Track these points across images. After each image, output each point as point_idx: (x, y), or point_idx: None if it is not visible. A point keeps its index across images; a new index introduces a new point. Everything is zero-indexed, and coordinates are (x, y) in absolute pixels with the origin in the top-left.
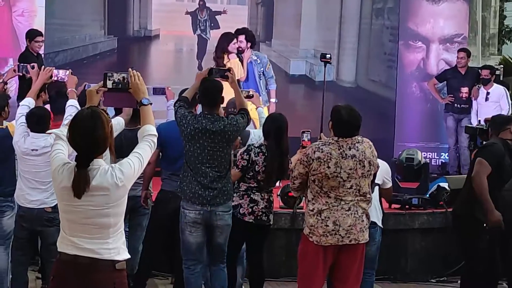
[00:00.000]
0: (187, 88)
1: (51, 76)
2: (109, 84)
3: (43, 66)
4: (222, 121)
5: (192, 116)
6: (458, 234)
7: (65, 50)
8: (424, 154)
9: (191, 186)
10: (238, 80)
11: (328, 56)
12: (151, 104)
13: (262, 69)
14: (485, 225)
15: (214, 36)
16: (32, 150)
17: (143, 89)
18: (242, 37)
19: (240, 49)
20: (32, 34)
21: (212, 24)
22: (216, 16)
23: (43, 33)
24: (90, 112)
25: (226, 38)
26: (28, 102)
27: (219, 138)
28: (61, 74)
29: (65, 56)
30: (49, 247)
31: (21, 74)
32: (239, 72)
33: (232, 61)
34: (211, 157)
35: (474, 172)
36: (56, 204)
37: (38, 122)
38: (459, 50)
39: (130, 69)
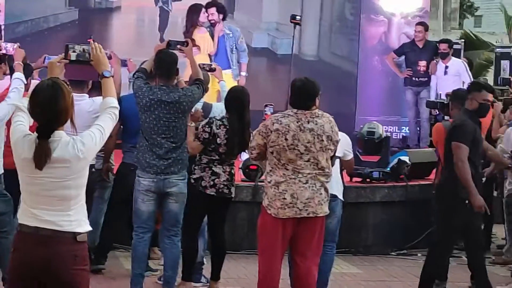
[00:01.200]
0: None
1: None
2: (72, 56)
3: None
4: (177, 92)
5: (147, 87)
6: (440, 207)
7: (25, 21)
8: (385, 128)
9: (146, 156)
10: (209, 55)
11: (298, 17)
12: (112, 76)
13: (234, 43)
14: (467, 202)
15: (176, 8)
16: None
17: (104, 62)
18: (213, 9)
19: (213, 21)
20: None
21: None
22: None
23: (3, 3)
24: (50, 83)
25: (195, 10)
26: None
27: (174, 109)
28: (9, 47)
29: (25, 27)
30: None
31: None
32: (208, 47)
33: (201, 35)
34: (167, 128)
35: (455, 158)
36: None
37: None
38: (417, 24)
39: (91, 41)
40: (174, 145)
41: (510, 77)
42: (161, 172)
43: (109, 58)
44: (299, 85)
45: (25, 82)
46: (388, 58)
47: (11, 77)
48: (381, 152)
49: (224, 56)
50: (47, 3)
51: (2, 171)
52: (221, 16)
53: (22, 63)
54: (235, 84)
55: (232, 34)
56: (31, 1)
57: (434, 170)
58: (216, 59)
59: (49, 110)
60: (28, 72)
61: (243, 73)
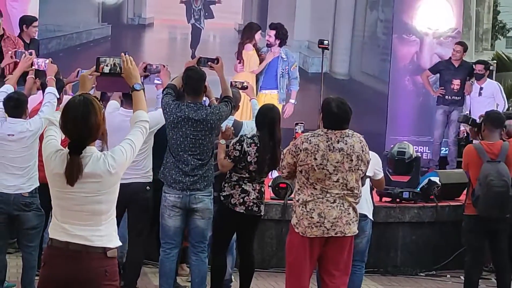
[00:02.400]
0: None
1: (31, 65)
2: (103, 69)
3: (24, 54)
4: (204, 109)
5: (175, 104)
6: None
7: (58, 37)
8: (416, 148)
9: (172, 172)
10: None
11: (326, 42)
12: (143, 89)
13: (287, 67)
14: None
15: (208, 26)
16: (9, 135)
17: (135, 74)
18: (272, 32)
19: (268, 43)
20: (29, 20)
21: (207, 14)
22: (211, 6)
23: (37, 18)
24: (82, 99)
25: (252, 28)
26: (6, 89)
27: (201, 127)
28: (41, 62)
29: (58, 42)
30: (27, 231)
31: (18, 61)
32: (253, 64)
33: (246, 52)
34: (193, 145)
35: None
36: (34, 189)
37: (15, 106)
38: (457, 43)
39: (122, 54)
40: (200, 162)
41: None
42: (187, 189)
43: (158, 72)
44: (334, 108)
45: (58, 97)
46: (422, 76)
47: (43, 92)
48: (411, 172)
49: (272, 78)
50: (80, 19)
51: (38, 184)
52: (277, 41)
53: (54, 78)
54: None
55: (286, 58)
56: (64, 16)
57: (465, 191)
58: (264, 79)
59: (81, 127)
60: (60, 86)
61: (292, 101)
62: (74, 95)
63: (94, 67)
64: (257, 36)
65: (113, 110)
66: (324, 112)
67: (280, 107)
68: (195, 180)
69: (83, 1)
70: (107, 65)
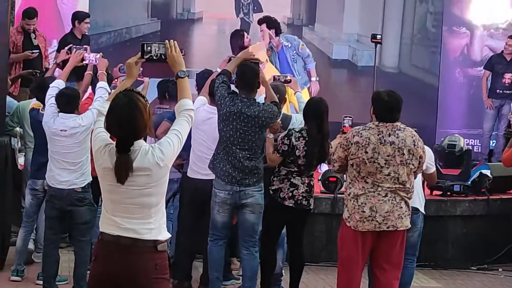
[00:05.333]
0: None
1: (82, 60)
2: (147, 55)
3: (74, 49)
4: (257, 106)
5: (230, 98)
6: None
7: (108, 32)
8: (467, 141)
9: (222, 164)
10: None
11: (378, 36)
12: (187, 76)
13: (295, 51)
14: None
15: (257, 19)
16: (61, 130)
17: (179, 61)
18: (263, 26)
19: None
20: (81, 16)
21: (255, 8)
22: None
23: None
24: (127, 101)
25: (237, 37)
26: (58, 84)
27: (252, 123)
28: (92, 57)
29: (108, 38)
30: (79, 226)
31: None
32: (262, 50)
33: (255, 45)
34: (243, 140)
35: None
36: (86, 184)
37: (67, 102)
38: (509, 37)
39: (167, 41)
40: (248, 156)
41: None
42: (236, 183)
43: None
44: (386, 98)
45: (109, 91)
46: (482, 79)
47: (93, 87)
48: (462, 165)
49: (287, 68)
50: (130, 14)
51: (91, 179)
52: (273, 31)
53: (105, 73)
54: (304, 92)
55: (290, 44)
56: (114, 12)
57: None
58: (281, 72)
59: (127, 129)
60: (109, 81)
61: (314, 78)
62: (118, 93)
63: (140, 53)
64: (246, 39)
65: (199, 106)
66: (375, 103)
67: (305, 91)
68: (244, 175)
69: None
70: (152, 52)
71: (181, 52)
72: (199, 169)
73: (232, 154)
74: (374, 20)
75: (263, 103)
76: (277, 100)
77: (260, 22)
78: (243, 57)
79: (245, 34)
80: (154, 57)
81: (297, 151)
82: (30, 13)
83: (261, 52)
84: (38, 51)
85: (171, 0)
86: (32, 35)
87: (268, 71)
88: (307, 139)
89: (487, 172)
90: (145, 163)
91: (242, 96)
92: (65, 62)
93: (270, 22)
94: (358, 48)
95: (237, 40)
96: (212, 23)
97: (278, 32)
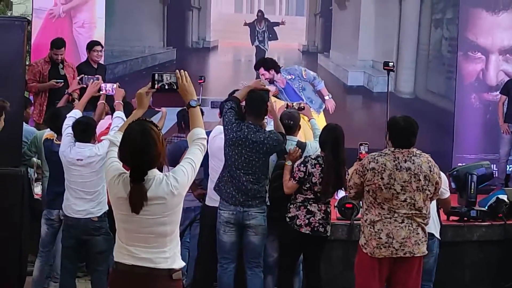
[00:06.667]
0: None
1: (99, 90)
2: (157, 85)
3: (92, 80)
4: (263, 133)
5: (237, 124)
6: None
7: (124, 61)
8: None
9: (227, 186)
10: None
11: (391, 64)
12: (199, 105)
13: (300, 81)
14: None
15: (272, 47)
16: (78, 160)
17: (190, 91)
18: (262, 70)
19: (268, 79)
20: (91, 45)
21: (271, 35)
22: (274, 27)
23: (103, 44)
24: (140, 130)
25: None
26: (75, 114)
27: (257, 149)
28: (109, 87)
29: (124, 67)
30: (96, 256)
31: (85, 86)
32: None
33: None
34: (247, 165)
35: None
36: (103, 213)
37: (84, 131)
38: None
39: (177, 70)
40: (252, 180)
41: None
42: (240, 204)
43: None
44: (401, 123)
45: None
46: (499, 104)
47: (111, 117)
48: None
49: (298, 99)
50: (146, 44)
51: (107, 208)
52: (272, 71)
53: (122, 103)
54: (320, 117)
55: (293, 75)
56: (130, 41)
57: None
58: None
59: (141, 159)
60: (128, 110)
61: (327, 97)
62: (130, 123)
63: (150, 83)
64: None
65: (216, 134)
66: (390, 129)
67: (321, 116)
68: (248, 198)
69: (149, 25)
70: (162, 82)
71: (201, 79)
72: (217, 197)
73: (236, 177)
74: (389, 46)
75: (269, 130)
76: (284, 132)
77: (256, 67)
78: (253, 86)
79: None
80: (165, 87)
81: (313, 178)
82: (58, 43)
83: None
84: (62, 81)
85: (186, 29)
86: (60, 65)
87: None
88: (323, 166)
89: (504, 197)
90: (160, 192)
91: (249, 122)
92: (82, 91)
93: (266, 64)
94: (373, 74)
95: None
96: (228, 51)
97: (277, 70)
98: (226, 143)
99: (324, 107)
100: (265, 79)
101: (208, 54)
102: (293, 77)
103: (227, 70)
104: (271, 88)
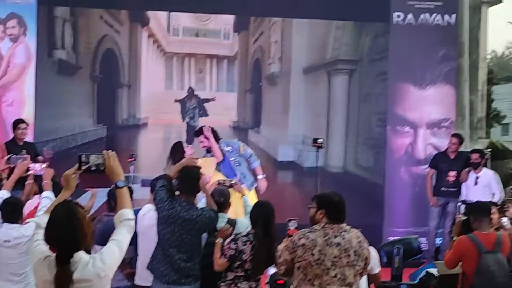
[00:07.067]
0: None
1: (27, 170)
2: (84, 166)
3: (20, 159)
4: (195, 210)
5: (169, 201)
6: None
7: (54, 139)
8: None
9: (160, 264)
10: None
11: (320, 140)
12: (127, 186)
13: (237, 155)
14: None
15: (202, 123)
16: (5, 241)
17: (117, 171)
18: (201, 137)
19: (205, 147)
20: (15, 123)
21: (201, 112)
22: (205, 104)
23: (33, 122)
24: (65, 213)
25: (177, 148)
26: (3, 194)
27: (189, 227)
28: (37, 167)
29: (54, 145)
30: None
31: (13, 166)
32: (209, 164)
33: (205, 160)
34: (180, 243)
35: None
36: None
37: (12, 211)
38: (453, 135)
39: (104, 151)
40: (185, 258)
41: None
42: (173, 283)
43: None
44: (335, 198)
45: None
46: (427, 177)
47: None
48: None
49: (231, 173)
50: (76, 122)
51: None
52: (212, 140)
53: (51, 182)
54: (251, 194)
55: (231, 148)
56: (60, 119)
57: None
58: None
59: (67, 241)
60: (58, 190)
61: (260, 176)
62: (56, 205)
63: (77, 165)
64: (187, 148)
65: (145, 213)
66: (325, 205)
67: (252, 193)
68: (180, 276)
69: (79, 103)
70: (89, 163)
71: (131, 157)
72: (148, 276)
73: (169, 255)
74: (319, 121)
75: (201, 208)
76: (216, 209)
77: (196, 135)
78: (185, 163)
79: (184, 144)
80: (92, 168)
81: (243, 255)
82: None
83: (210, 168)
84: None
85: (116, 106)
86: None
87: (214, 179)
88: (253, 243)
89: (433, 270)
90: (86, 274)
91: (181, 200)
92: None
93: (204, 134)
94: (303, 149)
95: (179, 152)
96: (158, 128)
97: (217, 140)
98: (159, 221)
99: (256, 185)
100: (203, 147)
101: (138, 131)
102: (231, 149)
103: (157, 147)
104: (211, 169)
